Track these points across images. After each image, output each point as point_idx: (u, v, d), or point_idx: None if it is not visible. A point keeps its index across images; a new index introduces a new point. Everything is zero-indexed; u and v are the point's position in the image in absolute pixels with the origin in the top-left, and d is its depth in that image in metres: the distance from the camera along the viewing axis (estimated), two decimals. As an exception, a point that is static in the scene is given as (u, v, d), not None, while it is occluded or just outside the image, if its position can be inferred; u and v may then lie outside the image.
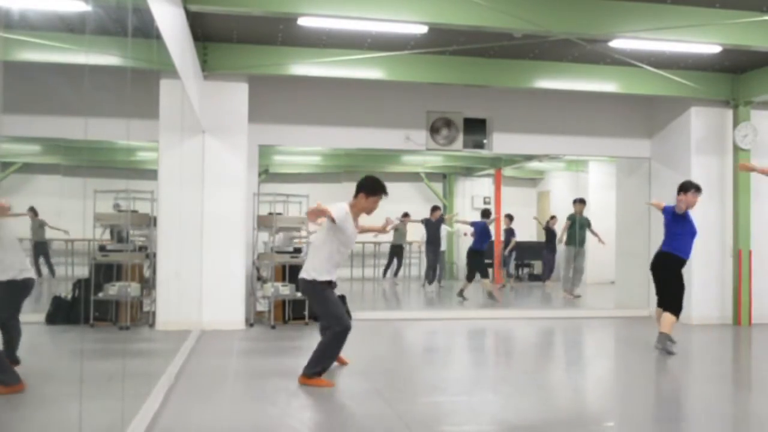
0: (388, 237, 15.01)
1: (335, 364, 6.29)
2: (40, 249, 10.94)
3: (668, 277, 7.43)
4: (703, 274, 9.96)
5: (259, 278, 10.13)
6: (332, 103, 10.00)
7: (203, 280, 8.73)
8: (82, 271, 9.28)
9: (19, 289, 5.38)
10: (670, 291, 7.41)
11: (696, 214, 9.68)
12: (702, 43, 7.79)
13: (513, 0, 7.02)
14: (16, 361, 5.32)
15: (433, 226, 14.07)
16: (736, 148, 9.94)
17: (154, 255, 8.57)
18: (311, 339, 6.83)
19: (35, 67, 7.61)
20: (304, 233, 10.13)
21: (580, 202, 12.92)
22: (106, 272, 8.58)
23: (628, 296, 11.46)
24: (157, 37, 5.09)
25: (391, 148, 10.70)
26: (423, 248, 14.81)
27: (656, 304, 7.65)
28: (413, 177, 17.37)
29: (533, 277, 16.49)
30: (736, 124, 9.97)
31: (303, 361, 5.97)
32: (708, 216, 9.90)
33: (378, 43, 8.55)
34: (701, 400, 5.84)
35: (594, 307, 11.94)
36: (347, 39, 8.42)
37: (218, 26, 8.11)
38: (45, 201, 10.40)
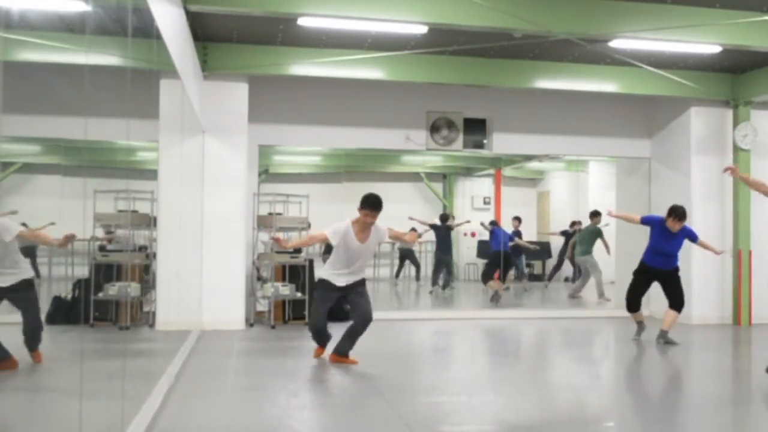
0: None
1: (331, 363, 6.63)
2: (28, 251, 10.91)
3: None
4: (703, 274, 9.95)
5: (259, 278, 10.13)
6: (332, 103, 9.99)
7: (203, 280, 8.72)
8: (82, 271, 9.27)
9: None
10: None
11: (696, 214, 9.75)
12: (702, 43, 7.78)
13: (513, 0, 7.02)
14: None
15: (443, 232, 13.93)
16: (736, 148, 9.93)
17: (154, 255, 8.57)
18: (311, 339, 6.85)
19: (35, 67, 7.62)
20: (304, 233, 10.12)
21: (596, 214, 12.76)
22: (106, 272, 8.59)
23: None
24: (157, 37, 5.09)
25: (391, 148, 10.70)
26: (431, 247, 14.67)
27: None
28: (413, 177, 17.35)
29: (533, 278, 16.48)
30: (736, 124, 9.96)
31: (303, 361, 6.56)
32: (708, 216, 9.90)
33: (378, 43, 8.55)
34: (701, 400, 5.83)
35: (594, 307, 11.94)
36: (347, 39, 8.41)
37: (218, 26, 8.11)
38: (45, 201, 10.39)
